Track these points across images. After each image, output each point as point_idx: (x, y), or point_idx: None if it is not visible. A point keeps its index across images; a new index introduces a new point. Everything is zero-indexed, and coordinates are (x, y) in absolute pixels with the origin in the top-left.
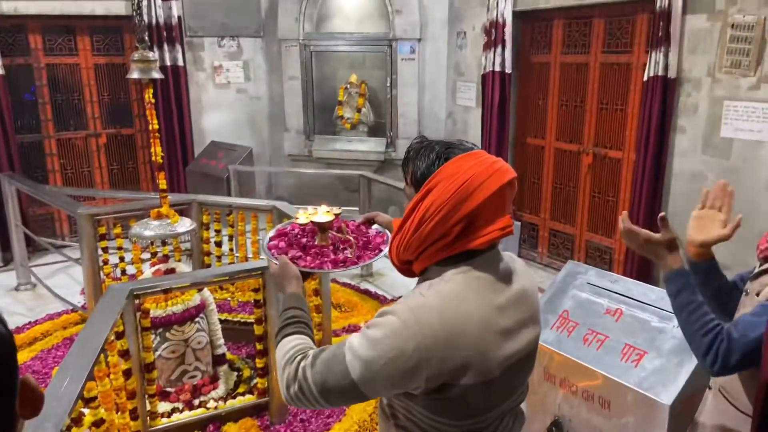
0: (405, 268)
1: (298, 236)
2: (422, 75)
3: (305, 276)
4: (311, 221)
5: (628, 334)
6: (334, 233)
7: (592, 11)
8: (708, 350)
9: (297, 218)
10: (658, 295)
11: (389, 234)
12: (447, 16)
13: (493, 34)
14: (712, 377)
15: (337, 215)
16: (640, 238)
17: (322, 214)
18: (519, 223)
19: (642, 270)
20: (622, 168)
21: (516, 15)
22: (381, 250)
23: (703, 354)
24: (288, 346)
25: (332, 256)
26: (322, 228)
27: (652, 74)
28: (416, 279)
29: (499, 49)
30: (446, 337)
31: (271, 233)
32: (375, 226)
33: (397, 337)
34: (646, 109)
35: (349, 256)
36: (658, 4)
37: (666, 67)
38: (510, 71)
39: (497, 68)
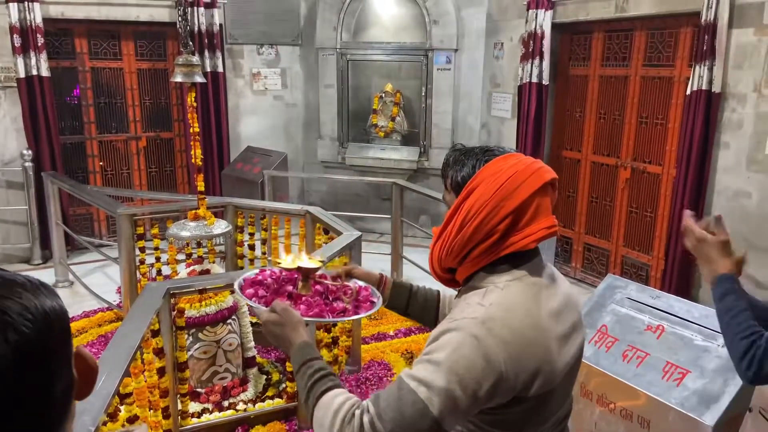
0: (447, 277)
1: (275, 285)
2: (457, 85)
3: None
4: (298, 266)
5: (670, 351)
6: (325, 282)
7: (634, 24)
8: (744, 354)
9: (280, 262)
10: (701, 312)
11: (372, 287)
12: (484, 27)
13: (530, 46)
14: (752, 400)
15: (320, 263)
16: (695, 237)
17: (307, 260)
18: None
19: (681, 288)
20: (662, 183)
21: (555, 27)
22: (374, 303)
23: (739, 358)
24: (336, 403)
25: (324, 306)
26: (306, 276)
27: (695, 88)
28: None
29: (536, 61)
30: (519, 349)
31: (239, 281)
32: (353, 280)
33: (472, 354)
34: (688, 124)
35: (347, 306)
36: (704, 18)
37: (710, 82)
38: (547, 83)
39: (534, 80)
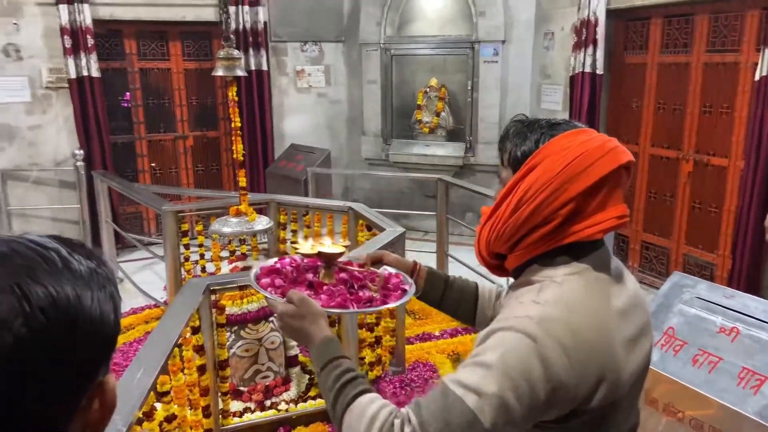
0: (495, 263)
1: (294, 273)
2: (505, 78)
3: None
4: (318, 252)
5: (746, 356)
6: (350, 268)
7: (695, 8)
8: None
9: (298, 248)
10: None
11: (404, 275)
12: (533, 16)
13: (583, 34)
14: None
15: (344, 248)
16: None
17: (330, 245)
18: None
19: (750, 288)
20: (728, 176)
21: (609, 13)
22: (406, 291)
23: None
24: (371, 410)
25: (348, 296)
26: (328, 262)
27: (764, 74)
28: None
29: (590, 50)
30: (581, 355)
31: (255, 270)
32: (383, 267)
33: (528, 356)
34: (757, 112)
35: (374, 295)
36: None
37: None
38: (601, 72)
39: (587, 69)
